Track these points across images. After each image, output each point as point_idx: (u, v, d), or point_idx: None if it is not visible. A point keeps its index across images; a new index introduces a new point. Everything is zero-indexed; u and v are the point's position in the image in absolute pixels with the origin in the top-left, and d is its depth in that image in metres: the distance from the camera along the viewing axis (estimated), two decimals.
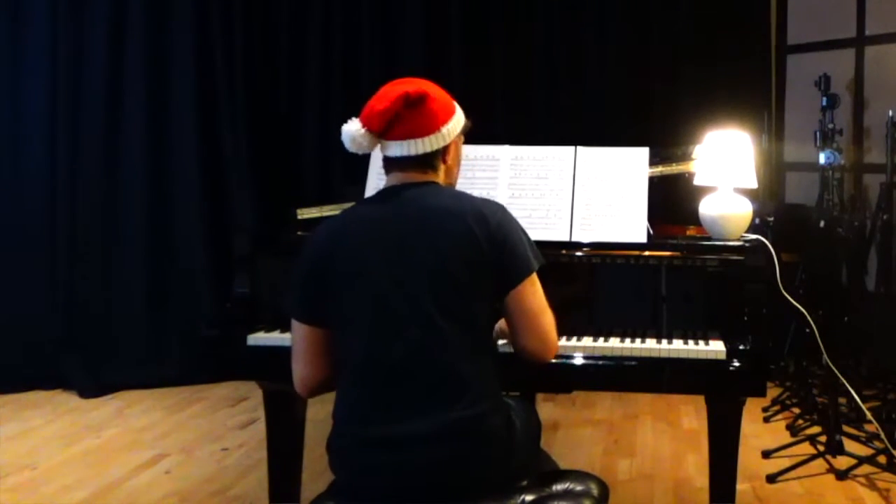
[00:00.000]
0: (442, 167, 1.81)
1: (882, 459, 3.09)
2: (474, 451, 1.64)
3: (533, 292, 1.74)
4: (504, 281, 1.71)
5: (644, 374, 2.06)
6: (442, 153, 1.80)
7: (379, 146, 1.78)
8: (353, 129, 1.75)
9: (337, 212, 2.46)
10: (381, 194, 1.80)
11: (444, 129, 1.77)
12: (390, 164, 1.80)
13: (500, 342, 1.92)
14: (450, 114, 1.80)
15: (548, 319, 1.77)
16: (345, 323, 1.69)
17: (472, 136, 1.97)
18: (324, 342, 1.74)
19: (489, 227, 1.69)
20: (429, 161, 1.78)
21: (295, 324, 1.76)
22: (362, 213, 1.79)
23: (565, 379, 2.10)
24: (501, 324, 1.82)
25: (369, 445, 1.65)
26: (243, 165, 4.61)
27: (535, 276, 1.74)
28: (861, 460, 3.09)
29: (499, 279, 1.70)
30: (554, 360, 1.85)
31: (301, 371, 1.77)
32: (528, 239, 1.77)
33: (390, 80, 1.80)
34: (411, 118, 1.74)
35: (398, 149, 1.76)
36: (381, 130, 1.74)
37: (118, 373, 4.33)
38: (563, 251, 2.20)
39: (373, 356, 1.66)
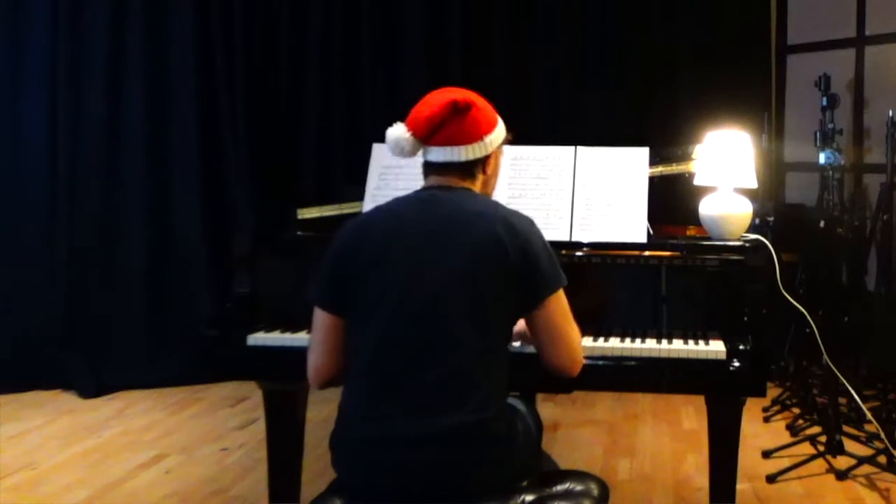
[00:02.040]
0: (480, 177, 1.83)
1: (882, 459, 3.09)
2: (476, 454, 1.63)
3: (561, 307, 1.75)
4: (530, 294, 1.71)
5: (644, 374, 2.06)
6: (482, 163, 1.82)
7: (421, 152, 1.80)
8: (398, 133, 1.78)
9: (337, 212, 2.48)
10: (414, 194, 1.81)
11: (487, 139, 1.80)
12: (430, 168, 1.82)
13: (514, 344, 1.91)
14: (493, 125, 1.83)
15: (574, 335, 1.78)
16: (361, 315, 1.69)
17: None
18: (342, 334, 1.74)
19: (518, 237, 1.69)
20: (469, 169, 1.80)
21: (316, 311, 1.76)
22: (393, 210, 1.79)
23: (565, 379, 2.10)
24: (521, 326, 1.82)
25: (371, 443, 1.64)
26: (243, 165, 4.61)
27: (562, 292, 1.74)
28: (861, 460, 3.09)
29: (524, 291, 1.70)
30: None
31: (316, 361, 1.77)
32: (554, 255, 1.76)
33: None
34: (456, 125, 1.76)
35: (440, 154, 1.78)
36: (425, 135, 1.76)
37: (118, 373, 4.32)
38: (563, 251, 2.20)
39: (383, 351, 1.66)
